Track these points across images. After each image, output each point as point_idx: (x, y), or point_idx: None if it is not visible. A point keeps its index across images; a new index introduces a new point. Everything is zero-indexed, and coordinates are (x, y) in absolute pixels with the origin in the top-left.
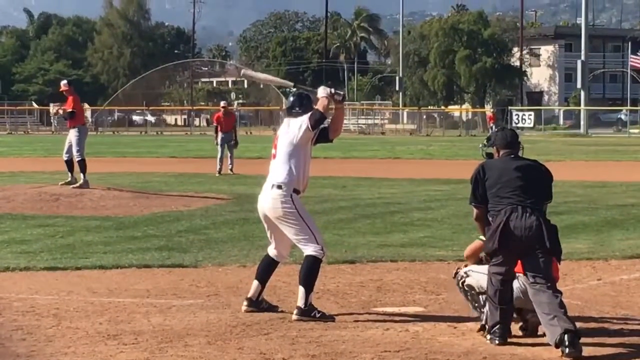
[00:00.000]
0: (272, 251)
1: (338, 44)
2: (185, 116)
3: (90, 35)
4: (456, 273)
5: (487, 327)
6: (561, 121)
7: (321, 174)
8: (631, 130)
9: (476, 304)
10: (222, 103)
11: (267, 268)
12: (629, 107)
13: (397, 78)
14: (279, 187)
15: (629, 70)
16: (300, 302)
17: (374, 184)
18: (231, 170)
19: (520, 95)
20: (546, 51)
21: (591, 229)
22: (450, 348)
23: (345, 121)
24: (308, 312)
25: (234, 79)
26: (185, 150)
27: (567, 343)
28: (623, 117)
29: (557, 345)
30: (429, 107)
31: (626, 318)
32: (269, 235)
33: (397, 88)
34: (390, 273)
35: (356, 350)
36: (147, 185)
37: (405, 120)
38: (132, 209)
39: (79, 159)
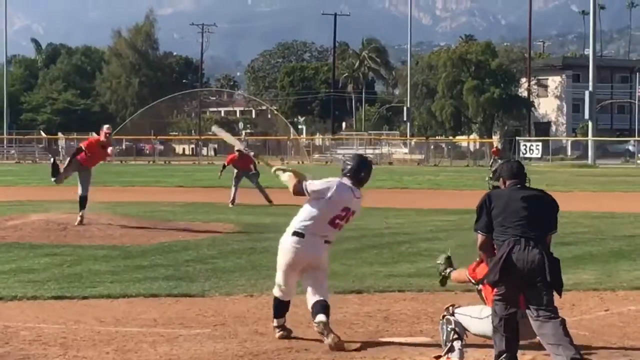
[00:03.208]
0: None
1: (346, 74)
2: (193, 145)
3: (99, 64)
4: (447, 307)
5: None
6: (569, 152)
7: None
8: (639, 161)
9: (444, 337)
10: (236, 148)
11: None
12: (636, 138)
13: (405, 108)
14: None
15: (636, 101)
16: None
17: (382, 214)
18: (268, 201)
19: (528, 125)
20: (554, 82)
21: (599, 259)
22: None
23: (352, 151)
24: None
25: (242, 108)
26: (192, 180)
27: None
28: (631, 147)
29: None
30: (437, 137)
31: (634, 349)
32: (293, 282)
33: (404, 118)
34: (397, 303)
35: None
36: (155, 214)
37: (413, 150)
38: (139, 238)
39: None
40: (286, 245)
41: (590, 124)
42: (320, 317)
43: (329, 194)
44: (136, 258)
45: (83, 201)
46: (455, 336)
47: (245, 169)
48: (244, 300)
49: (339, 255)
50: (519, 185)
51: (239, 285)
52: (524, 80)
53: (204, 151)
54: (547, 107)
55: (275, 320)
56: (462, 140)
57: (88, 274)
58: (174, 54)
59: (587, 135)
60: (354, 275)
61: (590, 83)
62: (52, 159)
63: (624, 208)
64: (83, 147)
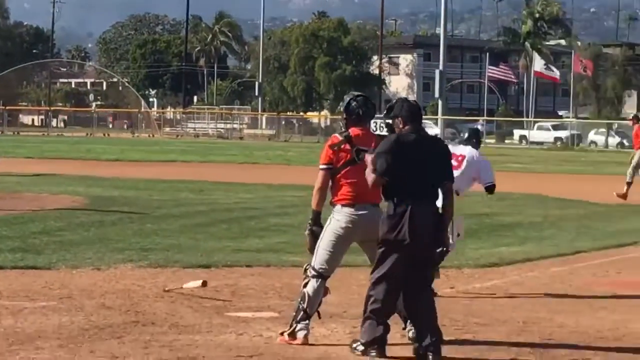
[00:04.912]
0: None
1: (198, 48)
2: (43, 116)
3: None
4: (305, 269)
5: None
6: None
7: (178, 177)
8: (487, 140)
9: (294, 314)
10: None
11: None
12: (485, 118)
13: (256, 83)
14: None
15: (486, 81)
16: None
17: (232, 188)
18: None
19: (379, 103)
20: (405, 60)
21: None
22: (303, 353)
23: (203, 125)
24: None
25: (93, 80)
26: (41, 151)
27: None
28: (480, 127)
29: (417, 352)
30: (288, 112)
31: (478, 325)
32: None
33: (256, 93)
34: (245, 278)
35: (209, 355)
36: (2, 185)
37: (264, 126)
38: None
39: None
40: None
41: (440, 102)
42: None
43: None
44: None
45: None
46: (304, 315)
47: None
48: (91, 273)
49: (187, 229)
50: (418, 131)
51: (86, 258)
52: (375, 58)
53: (54, 122)
54: (398, 85)
55: None
56: (313, 116)
57: None
58: (25, 23)
59: (437, 114)
60: (202, 249)
61: (441, 62)
62: None
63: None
64: None
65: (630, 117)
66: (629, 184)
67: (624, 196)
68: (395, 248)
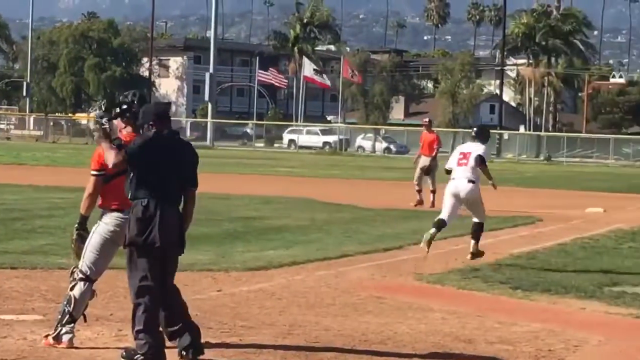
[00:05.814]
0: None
1: None
2: None
3: None
4: (72, 272)
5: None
6: (188, 133)
7: None
8: (257, 144)
9: (59, 317)
10: None
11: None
12: (254, 121)
13: (24, 83)
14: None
15: (256, 85)
16: None
17: None
18: None
19: None
20: (175, 62)
21: (213, 240)
22: (68, 357)
23: None
24: None
25: None
26: None
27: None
28: (249, 130)
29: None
30: (57, 113)
31: (244, 327)
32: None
33: (24, 93)
34: (9, 280)
35: None
36: None
37: (31, 126)
38: None
39: None
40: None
41: (210, 105)
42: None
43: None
44: None
45: None
46: (69, 319)
47: None
48: None
49: None
50: (168, 133)
51: None
52: (145, 60)
53: None
54: (168, 87)
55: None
56: (82, 117)
57: None
58: None
59: (206, 117)
60: None
61: (211, 65)
62: None
63: (240, 190)
64: None
65: (426, 121)
66: (419, 191)
67: (419, 202)
68: (146, 251)
